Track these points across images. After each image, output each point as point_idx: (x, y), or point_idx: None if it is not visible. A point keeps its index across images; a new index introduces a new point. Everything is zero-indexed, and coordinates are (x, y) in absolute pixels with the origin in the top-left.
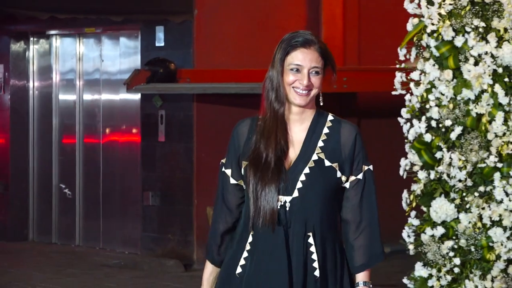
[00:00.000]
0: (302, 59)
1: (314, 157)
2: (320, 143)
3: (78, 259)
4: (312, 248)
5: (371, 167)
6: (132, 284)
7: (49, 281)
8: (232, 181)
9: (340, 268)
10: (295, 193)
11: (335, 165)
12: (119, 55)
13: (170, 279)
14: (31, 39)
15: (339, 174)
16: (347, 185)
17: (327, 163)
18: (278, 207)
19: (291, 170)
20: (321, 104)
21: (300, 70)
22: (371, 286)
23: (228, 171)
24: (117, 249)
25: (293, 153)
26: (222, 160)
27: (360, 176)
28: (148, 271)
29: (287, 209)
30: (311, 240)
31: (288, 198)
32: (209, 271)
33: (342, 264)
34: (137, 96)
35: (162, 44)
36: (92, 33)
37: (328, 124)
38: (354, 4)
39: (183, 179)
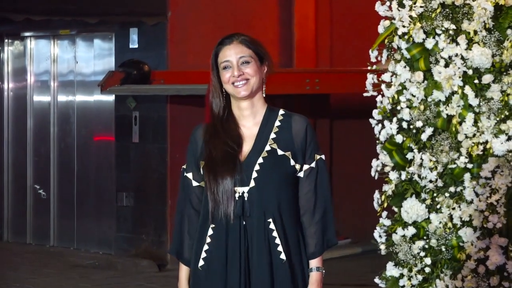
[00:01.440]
0: (228, 54)
1: (267, 147)
2: (273, 135)
3: (52, 260)
4: (274, 233)
5: (323, 156)
6: (107, 284)
7: (23, 281)
8: (195, 183)
9: (304, 253)
10: (252, 183)
11: (288, 153)
12: (93, 56)
13: (144, 279)
14: (6, 40)
15: (292, 162)
16: (301, 174)
17: (279, 152)
18: (236, 198)
19: (246, 162)
20: (264, 95)
21: (230, 65)
22: (323, 271)
23: (190, 175)
24: (91, 249)
25: (247, 146)
26: (183, 166)
27: (313, 164)
28: (122, 271)
29: (245, 199)
30: (272, 226)
31: (245, 189)
32: (186, 274)
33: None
34: (111, 98)
35: (136, 46)
36: (66, 35)
37: (280, 117)
38: (326, 6)
39: (157, 179)
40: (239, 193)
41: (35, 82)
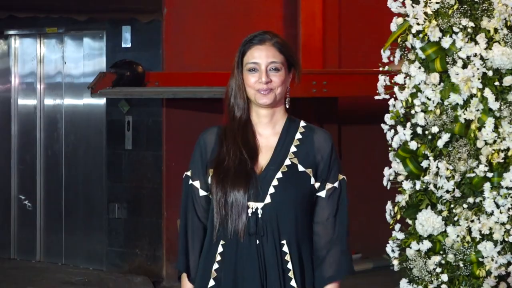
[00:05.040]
0: (258, 56)
1: (287, 162)
2: (293, 148)
3: (38, 276)
4: (287, 257)
5: (345, 177)
6: None
7: None
8: (202, 193)
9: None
10: (267, 199)
11: (308, 171)
12: (83, 57)
13: None
14: None
15: (312, 180)
16: (322, 193)
17: (300, 168)
18: (249, 214)
19: (262, 175)
20: (287, 106)
21: (257, 68)
22: None
23: (196, 183)
24: (80, 265)
25: (264, 158)
26: (186, 173)
27: (336, 184)
28: None
29: (259, 216)
30: (285, 248)
31: (259, 205)
32: None
33: None
34: (102, 101)
35: (129, 45)
36: (54, 33)
37: (301, 130)
38: (334, 2)
39: (152, 189)
40: (252, 208)
41: (19, 84)
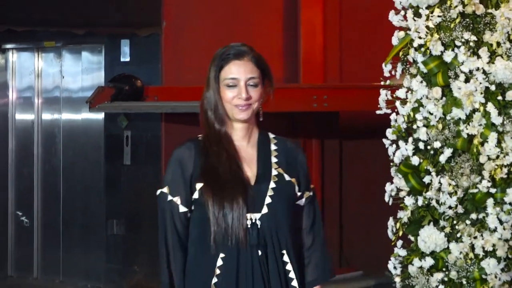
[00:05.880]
0: (237, 72)
1: (274, 172)
2: (274, 159)
3: None
4: (289, 266)
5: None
6: None
7: None
8: (182, 209)
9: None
10: (264, 209)
11: (293, 180)
12: (81, 71)
13: None
14: None
15: (297, 189)
16: (301, 202)
17: (287, 177)
18: (249, 226)
19: (257, 186)
20: (261, 119)
21: (236, 84)
22: None
23: (177, 199)
24: (79, 282)
25: (250, 170)
26: (162, 190)
27: (311, 192)
28: None
29: (259, 227)
30: (286, 258)
31: (257, 215)
32: None
33: None
34: (100, 116)
35: (128, 59)
36: (52, 47)
37: (273, 141)
38: (335, 15)
39: (151, 205)
40: (251, 220)
41: (17, 98)
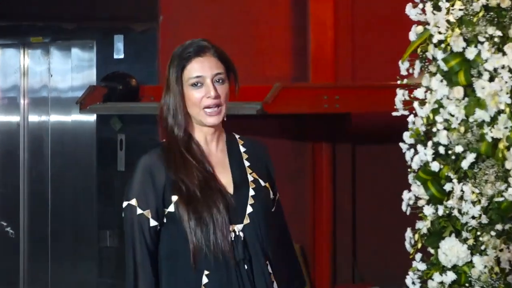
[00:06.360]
0: (201, 69)
1: (250, 177)
2: (246, 163)
3: None
4: (272, 277)
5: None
6: None
7: None
8: (153, 222)
9: None
10: (246, 220)
11: (267, 184)
12: (71, 69)
13: None
14: None
15: (271, 194)
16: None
17: (262, 182)
18: (232, 238)
19: (236, 195)
20: (224, 119)
21: (202, 82)
22: None
23: (147, 212)
24: None
25: (224, 176)
26: (129, 202)
27: (278, 194)
28: None
29: (242, 239)
30: (269, 268)
31: (239, 227)
32: None
33: None
34: (92, 118)
35: (122, 56)
36: (39, 43)
37: (240, 142)
38: (347, 9)
39: None
40: (235, 231)
41: (1, 99)
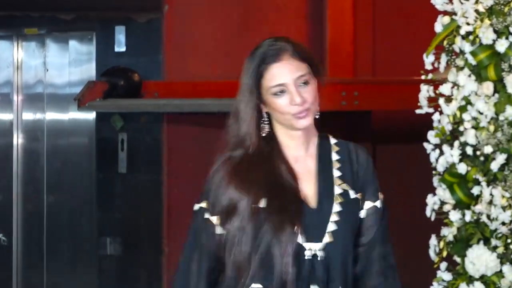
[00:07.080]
0: (280, 75)
1: (337, 189)
2: (336, 172)
3: None
4: None
5: (383, 196)
6: None
7: None
8: (219, 230)
9: None
10: (326, 238)
11: (359, 195)
12: (69, 63)
13: None
14: None
15: (361, 205)
16: (361, 214)
17: (352, 194)
18: (306, 258)
19: (317, 209)
20: (317, 117)
21: (284, 89)
22: None
23: (214, 218)
24: None
25: (308, 187)
26: (200, 205)
27: (377, 203)
28: None
29: (318, 259)
30: None
31: (317, 246)
32: None
33: None
34: (91, 115)
35: (123, 49)
36: (34, 34)
37: (335, 148)
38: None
39: (150, 220)
40: (312, 250)
41: None
